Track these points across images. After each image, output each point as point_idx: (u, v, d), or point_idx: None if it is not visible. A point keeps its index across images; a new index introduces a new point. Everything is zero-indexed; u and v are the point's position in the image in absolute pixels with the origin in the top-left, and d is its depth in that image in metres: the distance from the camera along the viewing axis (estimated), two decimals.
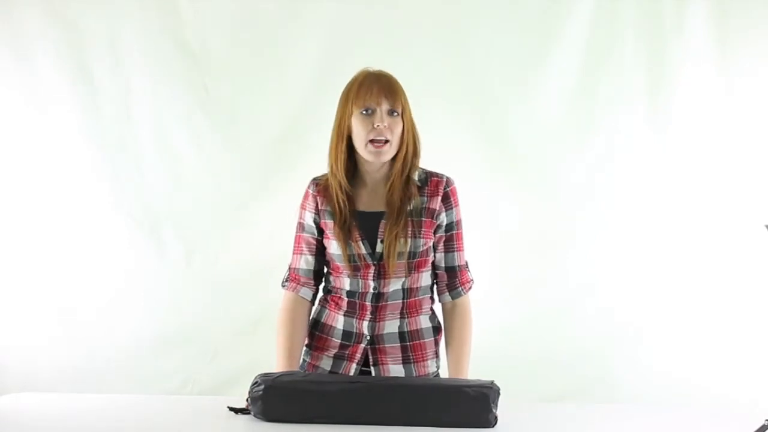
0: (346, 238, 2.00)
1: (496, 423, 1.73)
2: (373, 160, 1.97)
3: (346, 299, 2.05)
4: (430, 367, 2.06)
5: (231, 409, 1.85)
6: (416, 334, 2.05)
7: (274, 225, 2.87)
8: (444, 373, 2.12)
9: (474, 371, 2.01)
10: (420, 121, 2.11)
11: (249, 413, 1.82)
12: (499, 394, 1.76)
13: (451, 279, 2.07)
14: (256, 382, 1.80)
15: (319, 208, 2.05)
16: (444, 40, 3.05)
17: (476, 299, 2.10)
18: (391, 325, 2.03)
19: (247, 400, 1.82)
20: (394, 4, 3.04)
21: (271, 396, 1.77)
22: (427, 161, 2.08)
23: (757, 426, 1.60)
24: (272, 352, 2.09)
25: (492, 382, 1.77)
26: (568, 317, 3.03)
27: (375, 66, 2.03)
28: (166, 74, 3.09)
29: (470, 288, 2.08)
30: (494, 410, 1.73)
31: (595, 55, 3.03)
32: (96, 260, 3.11)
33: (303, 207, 2.09)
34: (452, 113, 3.05)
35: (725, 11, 2.98)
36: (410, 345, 2.04)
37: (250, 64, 3.09)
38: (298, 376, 1.87)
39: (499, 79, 3.05)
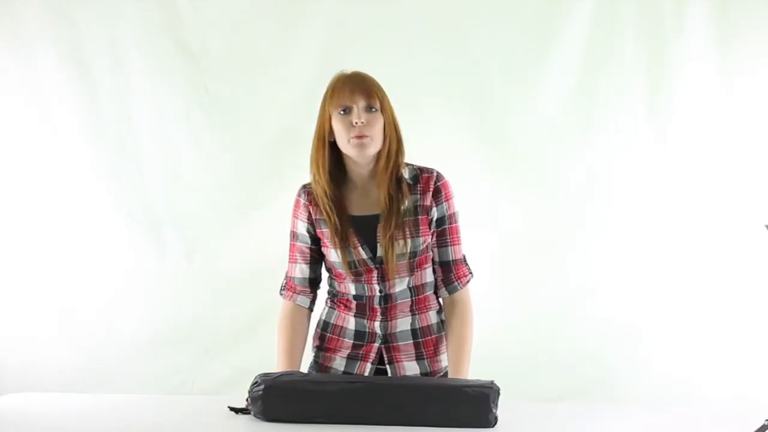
0: (343, 244, 1.99)
1: (496, 423, 1.73)
2: (358, 153, 1.95)
3: (354, 302, 2.05)
4: (443, 361, 2.06)
5: (231, 409, 1.85)
6: (427, 330, 2.05)
7: (274, 225, 2.85)
8: None
9: (474, 371, 2.01)
10: (420, 121, 2.11)
11: (249, 413, 1.82)
12: (499, 394, 1.76)
13: (447, 274, 2.06)
14: (256, 382, 1.80)
15: (314, 217, 2.04)
16: (444, 40, 3.05)
17: (476, 299, 2.09)
18: (403, 323, 2.04)
19: (247, 400, 1.83)
20: (394, 4, 3.04)
21: (271, 396, 1.77)
22: (428, 161, 2.07)
23: (757, 426, 1.60)
24: (272, 352, 2.09)
25: (492, 382, 1.77)
26: (568, 317, 3.03)
27: (374, 66, 2.02)
28: (166, 74, 3.10)
29: (468, 282, 2.07)
30: (494, 410, 1.73)
31: (595, 55, 3.03)
32: (96, 260, 3.12)
33: (295, 216, 2.08)
34: (452, 113, 3.05)
35: (725, 11, 2.98)
36: (422, 341, 2.04)
37: (250, 64, 3.09)
38: (298, 376, 1.87)
39: (499, 79, 3.05)
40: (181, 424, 1.81)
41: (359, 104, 1.94)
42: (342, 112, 1.95)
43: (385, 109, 1.97)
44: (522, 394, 2.33)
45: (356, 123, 1.93)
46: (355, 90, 1.95)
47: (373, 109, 1.95)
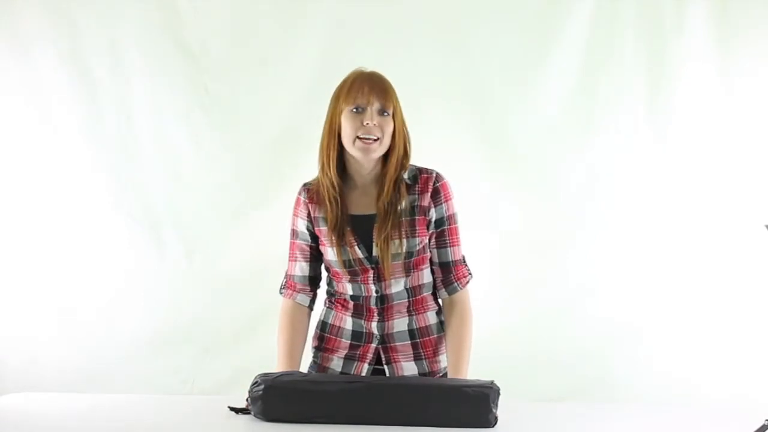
0: (339, 242, 1.99)
1: (496, 423, 1.73)
2: (362, 156, 1.95)
3: (351, 302, 2.05)
4: (442, 362, 2.06)
5: (231, 409, 1.85)
6: (425, 330, 2.05)
7: (274, 225, 2.85)
8: None
9: (474, 371, 2.01)
10: (420, 121, 2.10)
11: (249, 413, 1.82)
12: (499, 394, 1.76)
13: (446, 275, 2.05)
14: (256, 382, 1.80)
15: (312, 215, 2.04)
16: (444, 40, 3.05)
17: (476, 299, 2.09)
18: (400, 324, 2.04)
19: (247, 400, 1.83)
20: (394, 4, 3.04)
21: (271, 396, 1.77)
22: (428, 161, 2.07)
23: (757, 426, 1.60)
24: (272, 352, 2.09)
25: (492, 382, 1.77)
26: (568, 317, 3.03)
27: (374, 66, 2.03)
28: (166, 74, 3.10)
29: (467, 282, 2.06)
30: (494, 410, 1.73)
31: (595, 55, 3.03)
32: (96, 260, 3.11)
33: (295, 214, 2.08)
34: (452, 113, 3.05)
35: (725, 11, 2.98)
36: (420, 342, 2.04)
37: (250, 64, 3.10)
38: (298, 376, 1.87)
39: (499, 79, 3.06)
40: (181, 424, 1.81)
41: (373, 106, 1.94)
42: (354, 110, 1.94)
43: (397, 115, 1.97)
44: (522, 394, 2.33)
45: (367, 124, 1.93)
46: (373, 91, 1.94)
47: (386, 114, 1.95)
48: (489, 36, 3.05)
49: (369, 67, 2.02)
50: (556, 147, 3.06)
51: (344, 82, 1.99)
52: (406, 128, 2.01)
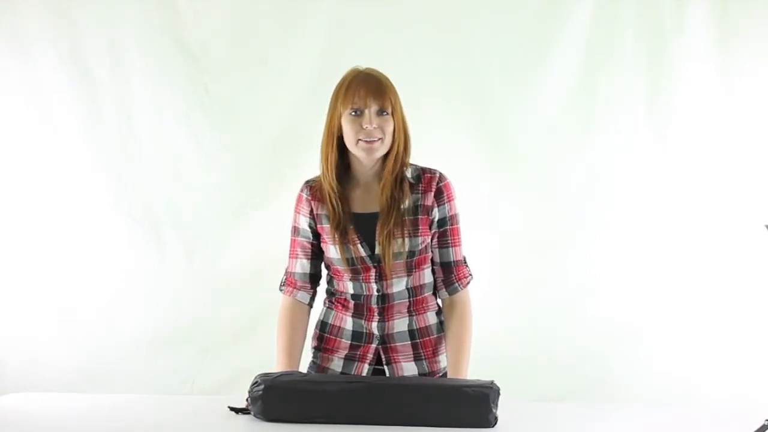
0: (342, 240, 1.99)
1: (496, 423, 1.73)
2: (365, 156, 1.95)
3: (352, 302, 2.05)
4: (442, 362, 2.06)
5: (231, 409, 1.85)
6: (425, 330, 2.05)
7: (274, 225, 2.85)
8: None
9: (474, 371, 2.01)
10: (420, 121, 2.10)
11: (249, 413, 1.82)
12: (499, 394, 1.76)
13: (447, 275, 2.05)
14: (256, 382, 1.80)
15: (315, 212, 2.05)
16: (444, 40, 3.05)
17: (476, 299, 2.09)
18: (400, 324, 2.04)
19: (247, 400, 1.83)
20: (394, 4, 3.04)
21: (271, 396, 1.77)
22: (428, 161, 2.07)
23: (757, 426, 1.60)
24: (272, 352, 2.09)
25: (492, 382, 1.77)
26: (568, 317, 3.03)
27: (374, 66, 2.02)
28: (166, 74, 3.10)
29: (468, 283, 2.06)
30: (494, 410, 1.73)
31: (595, 55, 3.03)
32: (96, 260, 3.12)
33: (297, 211, 2.09)
34: (452, 113, 3.06)
35: (725, 11, 2.98)
36: (420, 342, 2.04)
37: (250, 64, 3.10)
38: (298, 376, 1.87)
39: (499, 79, 3.06)
40: (181, 424, 1.81)
41: (371, 108, 1.94)
42: (353, 114, 1.94)
43: (397, 112, 1.97)
44: (522, 394, 2.33)
45: (366, 127, 1.93)
46: (369, 93, 1.94)
47: (385, 113, 1.95)
48: (489, 36, 3.05)
49: (359, 65, 2.01)
50: (556, 147, 3.06)
51: (341, 83, 1.99)
52: (406, 123, 2.00)
